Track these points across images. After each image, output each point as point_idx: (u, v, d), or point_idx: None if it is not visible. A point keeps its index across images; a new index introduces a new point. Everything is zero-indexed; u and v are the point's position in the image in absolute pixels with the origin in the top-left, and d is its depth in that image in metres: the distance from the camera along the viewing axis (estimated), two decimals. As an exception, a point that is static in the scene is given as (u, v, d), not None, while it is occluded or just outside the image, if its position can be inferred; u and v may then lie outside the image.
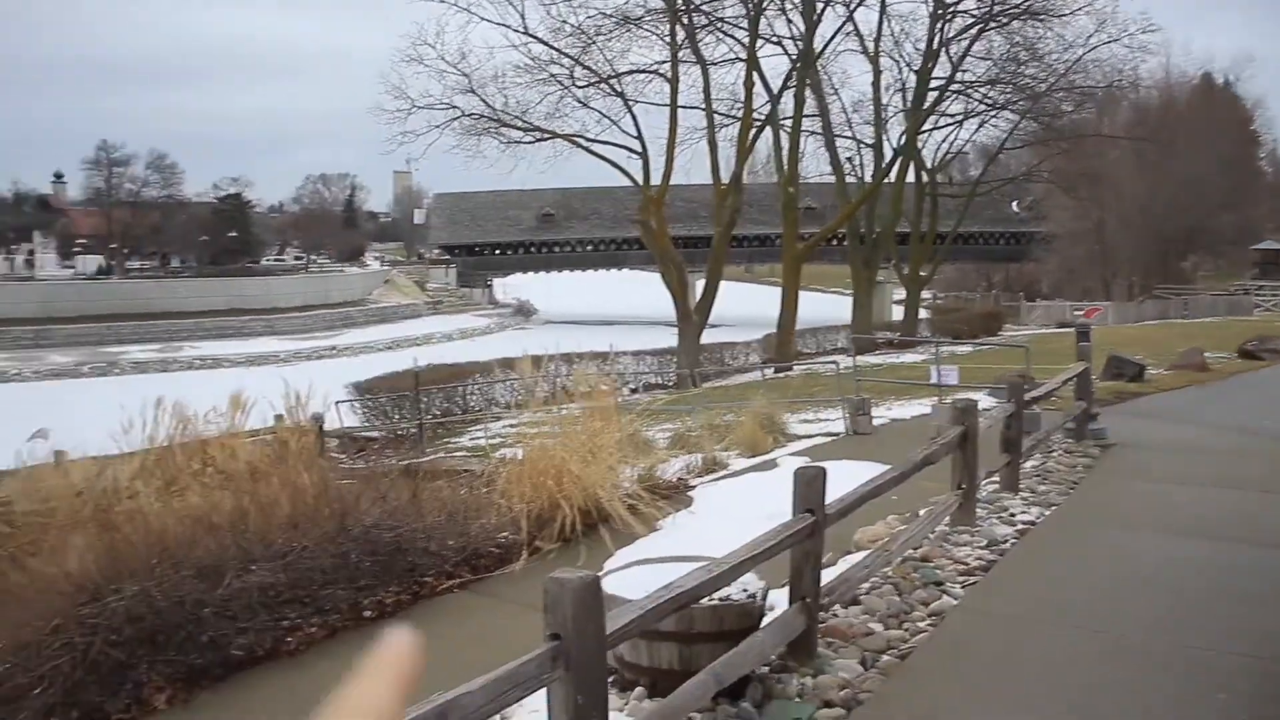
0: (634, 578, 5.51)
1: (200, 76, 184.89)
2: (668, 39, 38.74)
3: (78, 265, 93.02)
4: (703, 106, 39.73)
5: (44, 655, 5.86)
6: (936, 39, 44.04)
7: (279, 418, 12.75)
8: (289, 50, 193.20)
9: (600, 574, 4.31)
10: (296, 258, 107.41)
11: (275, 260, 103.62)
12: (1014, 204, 70.72)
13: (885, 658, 5.94)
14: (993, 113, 46.88)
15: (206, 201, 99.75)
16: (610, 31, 38.71)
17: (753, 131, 40.61)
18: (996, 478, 10.10)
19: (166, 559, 6.57)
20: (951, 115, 47.51)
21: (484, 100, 38.70)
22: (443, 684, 4.11)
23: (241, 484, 8.10)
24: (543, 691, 3.72)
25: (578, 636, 3.64)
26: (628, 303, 72.30)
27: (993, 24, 42.91)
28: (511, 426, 16.61)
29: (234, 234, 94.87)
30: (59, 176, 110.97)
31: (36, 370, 58.50)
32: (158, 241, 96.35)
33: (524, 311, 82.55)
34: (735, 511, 9.37)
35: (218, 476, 9.59)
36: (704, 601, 5.03)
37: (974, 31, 43.78)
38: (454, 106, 38.73)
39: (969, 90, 45.83)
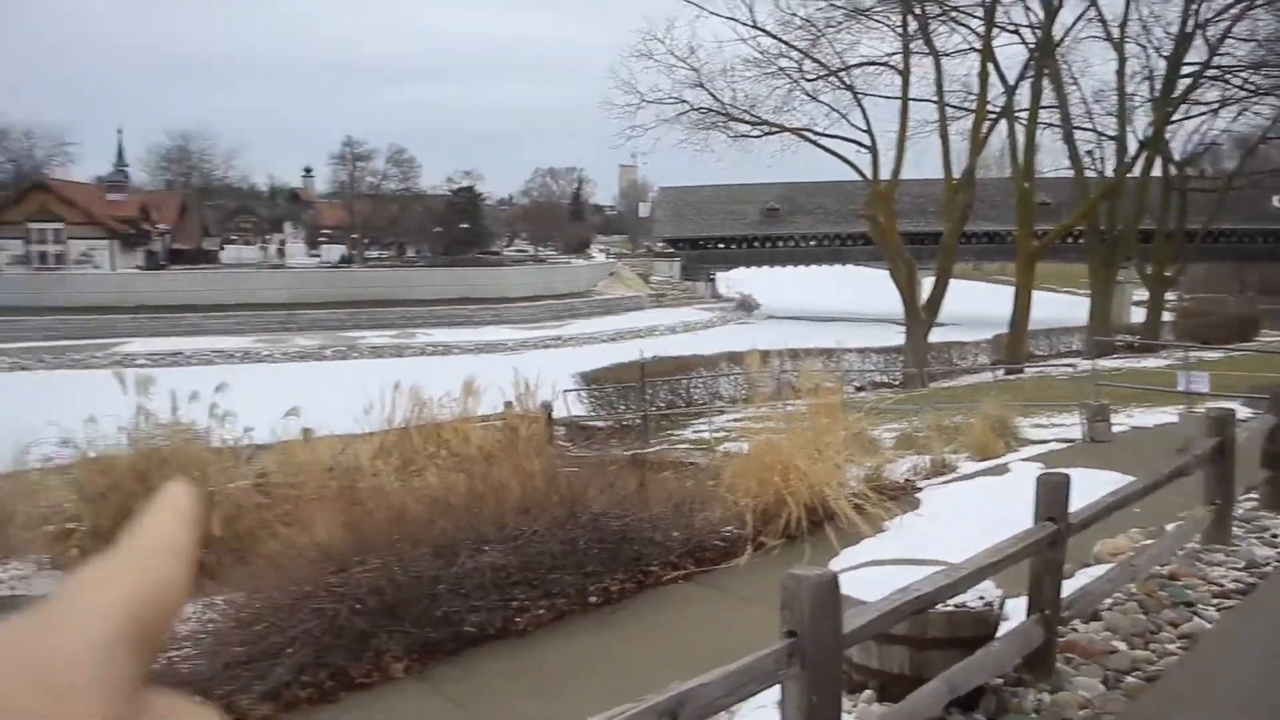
0: (866, 578, 5.38)
1: (436, 75, 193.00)
2: (899, 30, 37.84)
3: (323, 254, 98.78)
4: (934, 99, 38.64)
5: (296, 618, 6.20)
6: (1191, 21, 41.20)
7: (508, 404, 13.14)
8: (519, 48, 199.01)
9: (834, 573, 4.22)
10: (523, 249, 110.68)
11: (503, 252, 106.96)
12: (1275, 199, 65.76)
13: (1129, 679, 5.61)
14: (1254, 99, 43.36)
15: (441, 194, 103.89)
16: (840, 23, 38.11)
17: (986, 124, 39.20)
18: (1255, 495, 9.40)
19: (406, 536, 6.84)
20: (1206, 103, 44.25)
21: (712, 94, 38.81)
22: (666, 673, 4.12)
23: (475, 467, 8.36)
24: (767, 691, 3.67)
25: (814, 634, 3.58)
26: (851, 299, 71.23)
27: (1261, 1, 39.63)
28: (735, 420, 16.61)
29: (466, 226, 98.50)
30: (308, 171, 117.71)
31: (285, 352, 62.37)
32: (395, 232, 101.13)
33: (746, 306, 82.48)
34: (965, 516, 9.07)
35: (451, 459, 9.96)
36: (939, 607, 4.87)
37: (1237, 10, 40.64)
38: (682, 101, 38.98)
39: (1228, 75, 42.61)
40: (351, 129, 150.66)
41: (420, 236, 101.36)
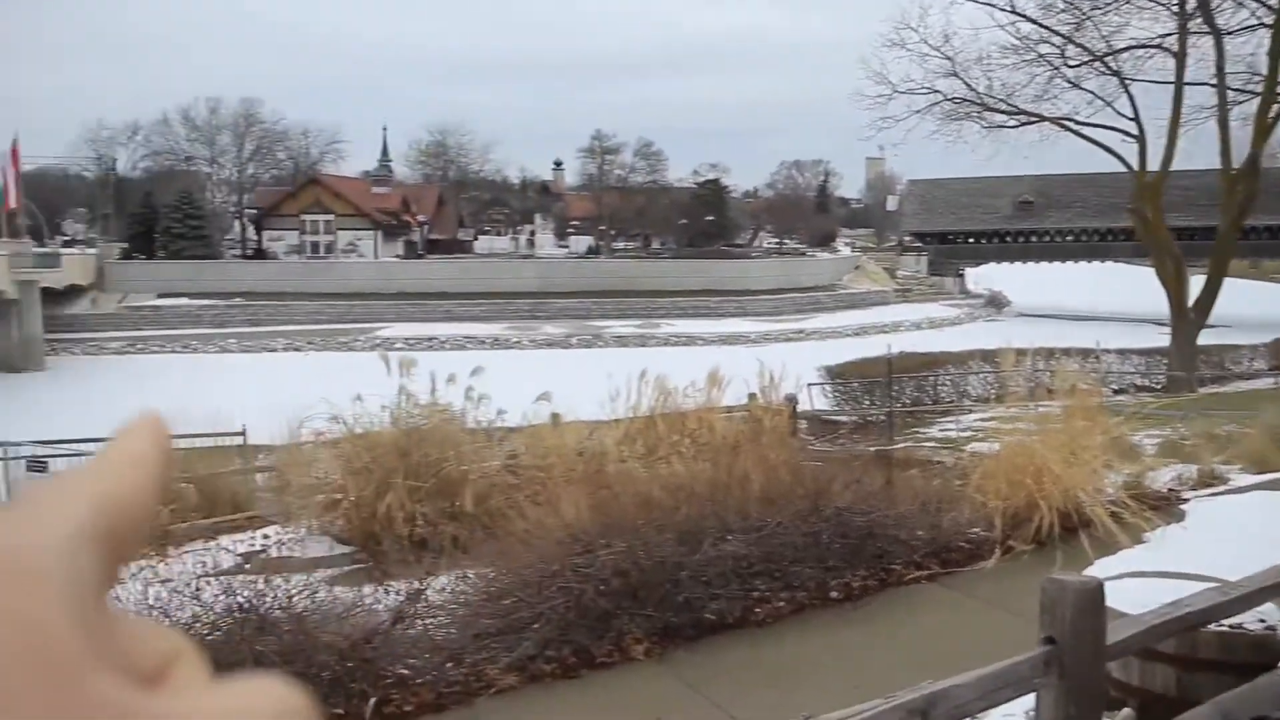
0: (1126, 590, 5.10)
1: (683, 69, 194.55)
2: (1175, 9, 35.50)
3: (570, 245, 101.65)
4: (1212, 82, 36.06)
5: (543, 595, 6.40)
6: None
7: (752, 396, 13.14)
8: (765, 41, 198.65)
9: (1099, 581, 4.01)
10: (769, 242, 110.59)
11: (748, 244, 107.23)
12: None
13: None
14: None
15: (686, 187, 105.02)
16: (1108, 5, 36.12)
17: (1275, 108, 36.27)
18: None
19: (651, 521, 6.94)
20: None
21: (967, 83, 37.56)
22: (907, 674, 4.01)
23: (719, 457, 8.40)
24: (1018, 699, 3.52)
25: (1074, 643, 3.41)
26: (1110, 298, 67.74)
27: None
28: (984, 420, 16.07)
29: (711, 218, 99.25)
30: (558, 164, 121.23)
31: (533, 339, 64.52)
32: (641, 224, 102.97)
33: (996, 303, 79.71)
34: (1237, 531, 8.46)
35: (695, 448, 10.04)
36: (1210, 626, 4.55)
37: None
38: (935, 91, 37.88)
39: None
40: (600, 123, 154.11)
41: (665, 228, 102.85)
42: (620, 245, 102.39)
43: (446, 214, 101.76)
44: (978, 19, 36.10)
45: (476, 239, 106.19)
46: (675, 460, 8.98)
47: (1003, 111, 37.91)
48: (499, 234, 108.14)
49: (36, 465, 14.98)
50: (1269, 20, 35.31)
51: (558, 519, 7.29)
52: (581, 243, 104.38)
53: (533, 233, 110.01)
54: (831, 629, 7.00)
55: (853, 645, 6.75)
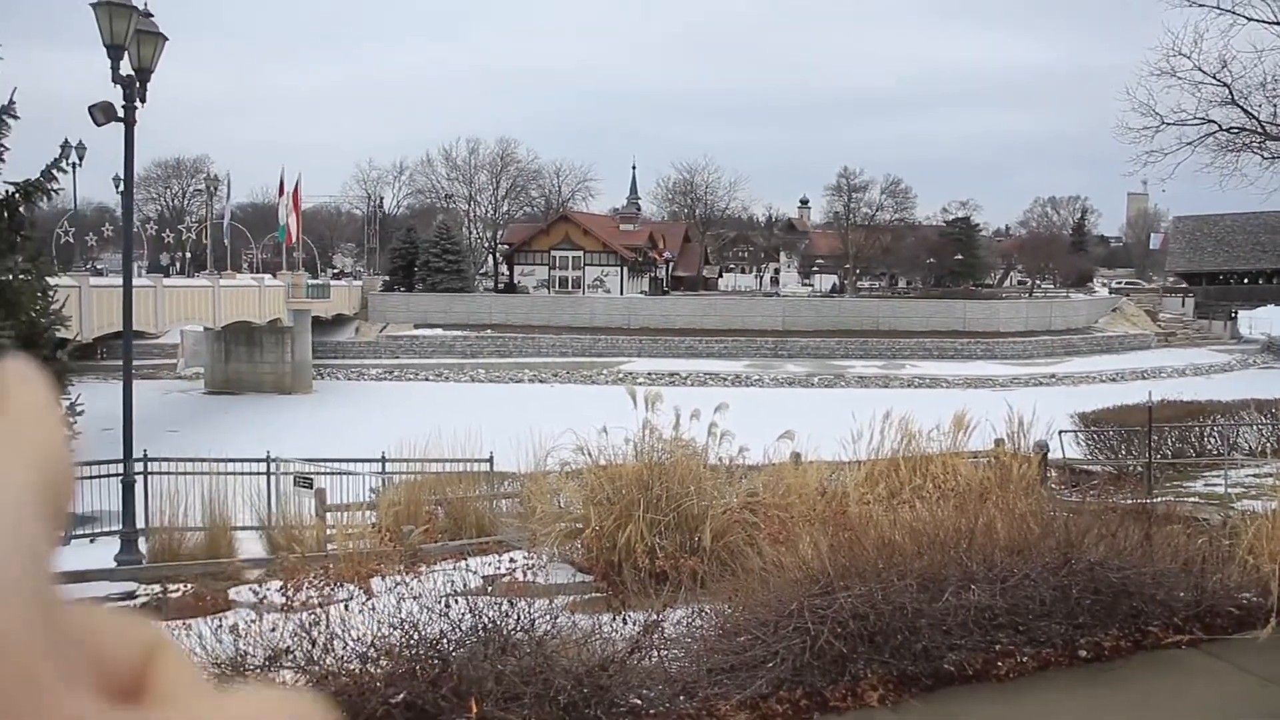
0: None
1: (932, 105, 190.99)
2: None
3: (815, 283, 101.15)
4: None
5: (779, 634, 6.35)
6: None
7: (999, 442, 12.72)
8: (1017, 76, 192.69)
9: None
10: (1020, 282, 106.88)
11: (997, 284, 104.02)
12: None
13: None
14: None
15: (935, 225, 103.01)
16: None
17: None
18: None
19: (892, 565, 6.79)
20: None
21: (1247, 111, 35.28)
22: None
23: (964, 503, 8.15)
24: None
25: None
26: None
27: None
28: (1257, 475, 14.98)
29: (959, 257, 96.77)
30: (804, 202, 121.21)
31: (774, 378, 64.46)
32: (887, 262, 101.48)
33: (1273, 348, 74.22)
34: None
35: (938, 492, 9.79)
36: None
37: None
38: (1210, 120, 35.77)
39: None
40: (847, 160, 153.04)
41: (912, 267, 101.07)
42: (865, 284, 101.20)
43: (692, 251, 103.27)
44: (1262, 39, 33.68)
45: (721, 276, 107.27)
46: (918, 504, 8.77)
47: (1287, 140, 35.40)
48: (743, 271, 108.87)
49: (303, 481, 16.02)
50: None
51: (796, 558, 7.24)
52: (826, 281, 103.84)
53: (776, 270, 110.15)
54: (1079, 689, 6.65)
55: (1102, 709, 6.40)
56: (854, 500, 9.69)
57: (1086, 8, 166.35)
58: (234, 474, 16.37)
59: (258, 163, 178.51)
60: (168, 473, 16.18)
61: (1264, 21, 34.79)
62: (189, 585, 10.02)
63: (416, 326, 74.90)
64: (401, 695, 5.34)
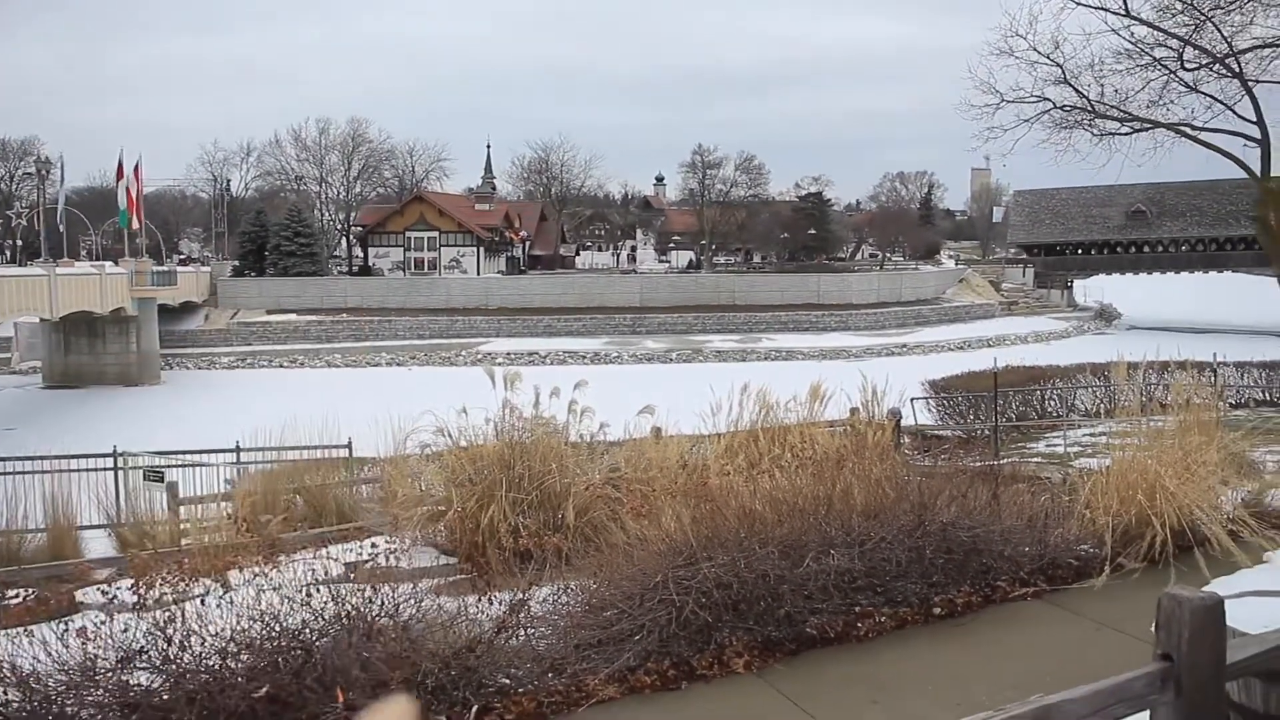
0: (1247, 609, 4.93)
1: (785, 83, 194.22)
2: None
3: (671, 260, 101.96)
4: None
5: (644, 607, 6.42)
6: None
7: (854, 410, 13.04)
8: (868, 54, 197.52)
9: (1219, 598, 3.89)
10: (871, 255, 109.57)
11: (849, 257, 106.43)
12: None
13: None
14: None
15: (789, 200, 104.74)
16: (1230, 4, 35.08)
17: None
18: None
19: (753, 534, 6.92)
20: None
21: (1078, 90, 36.77)
22: (1012, 693, 3.93)
23: (821, 470, 8.34)
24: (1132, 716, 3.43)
25: (1192, 660, 3.31)
26: (1228, 309, 65.63)
27: None
28: (1094, 435, 15.69)
29: (812, 231, 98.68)
30: (659, 179, 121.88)
31: (633, 354, 64.87)
32: (742, 238, 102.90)
33: (1105, 315, 77.88)
34: (1367, 552, 8.13)
35: (796, 462, 9.99)
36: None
37: None
38: (1045, 99, 37.17)
39: None
40: (703, 138, 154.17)
41: (767, 243, 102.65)
42: (721, 260, 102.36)
43: (548, 230, 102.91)
44: (1090, 24, 35.15)
45: (578, 254, 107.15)
46: (778, 474, 8.94)
47: (1115, 119, 37.01)
48: (600, 249, 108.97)
49: (153, 475, 15.49)
50: None
51: (659, 531, 7.31)
52: (682, 258, 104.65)
53: (634, 248, 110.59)
54: (935, 645, 6.90)
55: (956, 662, 6.64)
56: (715, 472, 9.83)
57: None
58: (79, 470, 15.67)
59: (96, 145, 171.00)
60: (5, 473, 15.42)
61: (1091, 6, 36.24)
62: (30, 590, 9.59)
63: (269, 312, 73.02)
64: (265, 689, 5.22)
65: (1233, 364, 31.78)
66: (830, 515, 7.35)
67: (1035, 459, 15.44)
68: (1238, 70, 34.90)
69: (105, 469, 16.19)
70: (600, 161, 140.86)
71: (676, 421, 12.32)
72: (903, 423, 15.86)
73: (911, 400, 21.71)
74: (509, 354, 58.42)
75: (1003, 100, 37.41)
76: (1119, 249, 78.47)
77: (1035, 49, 36.41)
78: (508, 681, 5.96)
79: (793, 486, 7.96)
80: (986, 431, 20.68)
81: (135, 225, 66.27)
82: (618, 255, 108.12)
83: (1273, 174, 34.84)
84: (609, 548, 7.62)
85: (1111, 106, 36.58)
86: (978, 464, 12.24)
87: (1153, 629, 3.53)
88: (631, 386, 24.44)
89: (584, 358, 62.85)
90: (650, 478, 9.74)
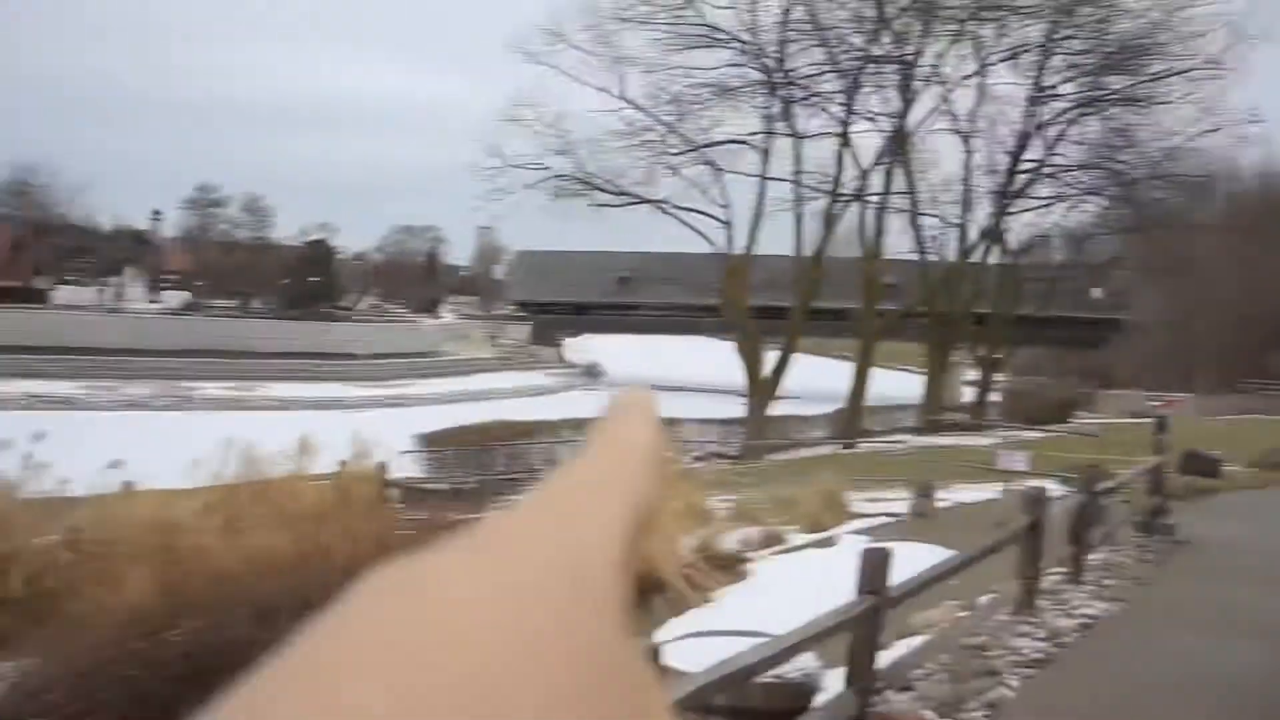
0: (689, 650, 5.42)
1: (299, 125, 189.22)
2: (763, 110, 39.21)
3: (164, 300, 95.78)
4: (792, 179, 40.03)
5: (99, 684, 5.91)
6: (1032, 122, 43.94)
7: (343, 464, 12.88)
8: (383, 103, 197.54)
9: (657, 644, 4.24)
10: (375, 305, 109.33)
11: (354, 307, 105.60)
12: (1095, 290, 69.35)
13: (939, 749, 5.78)
14: (1082, 197, 46.57)
15: (295, 245, 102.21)
16: (706, 101, 39.25)
17: (839, 205, 40.81)
18: (1061, 569, 9.86)
19: (225, 598, 6.61)
20: (1040, 198, 47.21)
21: (576, 162, 39.32)
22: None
23: (303, 527, 8.16)
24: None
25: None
26: (701, 370, 72.19)
27: (1092, 109, 42.83)
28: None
29: (316, 278, 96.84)
30: (156, 214, 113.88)
31: (113, 400, 59.96)
32: (242, 281, 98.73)
33: (592, 373, 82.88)
34: (794, 588, 9.22)
35: (280, 519, 9.69)
36: (757, 678, 4.93)
37: (1070, 116, 43.67)
38: (546, 167, 39.37)
39: (1060, 174, 45.59)
40: (208, 174, 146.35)
41: (269, 287, 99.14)
42: (219, 303, 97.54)
43: (22, 259, 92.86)
44: (593, 103, 37.97)
45: (56, 288, 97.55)
46: (259, 532, 8.61)
47: (608, 191, 39.97)
48: (84, 284, 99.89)
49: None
50: (838, 130, 39.87)
51: (120, 599, 6.78)
52: (177, 298, 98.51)
53: (122, 285, 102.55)
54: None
55: None
56: (190, 531, 9.30)
57: (469, 49, 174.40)
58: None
59: None
60: None
61: (594, 87, 39.02)
62: None
63: None
64: None
65: (696, 420, 35.03)
66: (309, 573, 7.19)
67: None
68: (711, 159, 39.17)
69: None
70: (92, 189, 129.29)
71: (155, 475, 11.54)
72: (395, 476, 15.90)
73: (402, 453, 21.84)
74: (-41, 398, 51.88)
75: (507, 164, 39.22)
76: (608, 311, 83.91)
77: (540, 120, 38.62)
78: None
79: (269, 545, 7.71)
80: (474, 484, 21.25)
81: None
82: (104, 291, 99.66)
83: (735, 251, 39.25)
84: (60, 621, 6.95)
85: (605, 180, 39.56)
86: (464, 516, 12.52)
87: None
88: (109, 437, 22.56)
89: (53, 402, 57.09)
90: (114, 539, 9.01)
